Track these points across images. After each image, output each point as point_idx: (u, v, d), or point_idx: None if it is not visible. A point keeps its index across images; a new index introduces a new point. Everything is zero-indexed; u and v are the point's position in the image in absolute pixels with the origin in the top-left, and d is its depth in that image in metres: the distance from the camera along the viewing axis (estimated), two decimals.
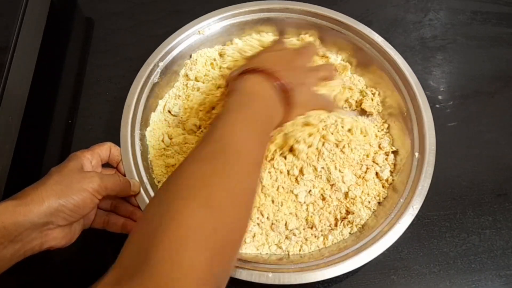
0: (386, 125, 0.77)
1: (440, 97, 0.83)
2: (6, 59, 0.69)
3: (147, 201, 0.66)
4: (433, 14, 0.94)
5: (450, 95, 0.84)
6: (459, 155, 0.78)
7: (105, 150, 0.66)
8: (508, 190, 0.75)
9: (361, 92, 0.80)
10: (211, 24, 0.81)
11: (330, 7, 0.82)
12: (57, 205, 0.53)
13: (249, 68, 0.63)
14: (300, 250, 0.67)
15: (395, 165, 0.74)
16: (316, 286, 0.65)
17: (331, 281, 0.63)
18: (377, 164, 0.73)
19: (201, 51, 0.82)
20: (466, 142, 0.80)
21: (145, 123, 0.75)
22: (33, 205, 0.52)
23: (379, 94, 0.79)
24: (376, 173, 0.73)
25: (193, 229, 0.42)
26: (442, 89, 0.84)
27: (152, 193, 0.68)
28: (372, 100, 0.78)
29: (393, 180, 0.72)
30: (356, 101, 0.80)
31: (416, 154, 0.70)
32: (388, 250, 0.62)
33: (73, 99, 0.82)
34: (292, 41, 0.80)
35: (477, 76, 0.87)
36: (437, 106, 0.82)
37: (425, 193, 0.66)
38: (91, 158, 0.63)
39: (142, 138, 0.73)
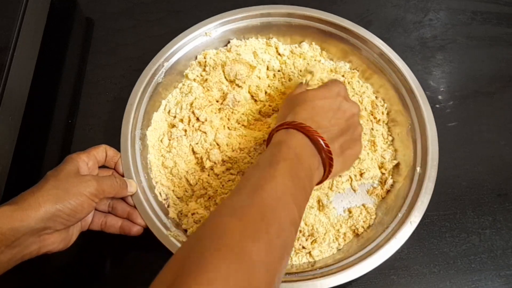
0: (390, 138, 0.77)
1: (440, 97, 0.83)
2: (6, 59, 0.69)
3: (143, 201, 0.66)
4: (433, 14, 0.94)
5: (450, 95, 0.84)
6: (459, 155, 0.78)
7: (101, 152, 0.66)
8: (508, 190, 0.75)
9: (371, 102, 0.79)
10: (218, 27, 0.81)
11: (330, 7, 0.82)
12: (54, 210, 0.53)
13: (292, 123, 0.58)
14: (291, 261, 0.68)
15: (396, 178, 0.74)
16: None
17: None
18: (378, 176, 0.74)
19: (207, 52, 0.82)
20: (466, 142, 0.80)
21: (147, 123, 0.75)
22: (30, 210, 0.52)
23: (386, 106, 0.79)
24: (376, 186, 0.73)
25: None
26: (442, 89, 0.84)
27: (149, 194, 0.68)
28: (383, 113, 0.78)
29: (393, 194, 0.72)
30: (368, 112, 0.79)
31: (418, 168, 0.70)
32: None
33: (73, 99, 0.82)
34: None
35: (477, 76, 0.87)
36: (437, 106, 0.82)
37: (424, 208, 0.66)
38: (87, 160, 0.62)
39: (143, 137, 0.73)
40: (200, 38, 0.80)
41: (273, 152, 0.55)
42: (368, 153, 0.75)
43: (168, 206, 0.70)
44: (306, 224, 0.69)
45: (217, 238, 0.44)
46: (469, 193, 0.75)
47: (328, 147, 0.57)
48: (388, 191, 0.73)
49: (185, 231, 0.68)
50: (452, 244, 0.71)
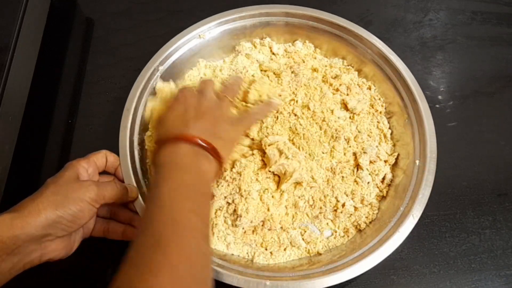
0: (390, 131, 0.77)
1: (440, 97, 0.83)
2: (6, 59, 0.69)
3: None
4: (433, 14, 0.94)
5: (450, 95, 0.84)
6: (459, 155, 0.78)
7: (101, 157, 0.65)
8: (508, 190, 0.75)
9: (370, 96, 0.79)
10: (212, 28, 0.80)
11: (330, 7, 0.82)
12: (54, 216, 0.53)
13: (159, 139, 0.61)
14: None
15: (395, 173, 0.74)
16: None
17: None
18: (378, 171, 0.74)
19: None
20: (466, 142, 0.80)
21: (144, 128, 0.74)
22: (30, 218, 0.51)
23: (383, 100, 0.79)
24: (378, 182, 0.73)
25: None
26: (442, 89, 0.84)
27: None
28: (382, 106, 0.78)
29: (393, 188, 0.72)
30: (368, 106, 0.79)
31: (417, 161, 0.70)
32: None
33: (73, 99, 0.82)
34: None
35: (477, 76, 0.87)
36: (437, 106, 0.82)
37: (426, 201, 0.66)
38: (87, 166, 0.61)
39: (141, 142, 0.72)
40: (194, 41, 0.80)
41: (157, 178, 0.55)
42: (381, 144, 0.75)
43: None
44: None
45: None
46: (469, 193, 0.75)
47: (204, 140, 0.58)
48: (388, 185, 0.73)
49: None
50: (452, 244, 0.71)
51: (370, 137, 0.75)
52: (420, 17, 0.93)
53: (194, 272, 0.46)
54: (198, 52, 0.81)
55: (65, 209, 0.54)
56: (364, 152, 0.72)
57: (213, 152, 0.58)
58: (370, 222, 0.70)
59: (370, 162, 0.73)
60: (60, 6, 0.91)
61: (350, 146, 0.73)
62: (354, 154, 0.73)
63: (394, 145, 0.76)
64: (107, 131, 0.78)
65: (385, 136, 0.76)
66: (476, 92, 0.85)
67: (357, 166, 0.72)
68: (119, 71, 0.84)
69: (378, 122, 0.77)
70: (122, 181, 0.67)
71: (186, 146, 0.57)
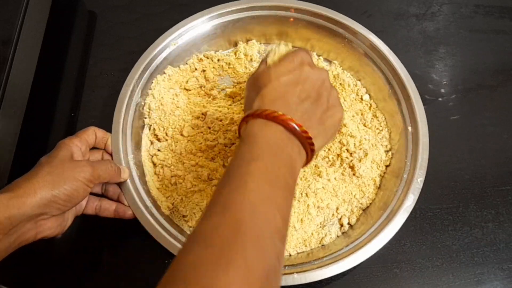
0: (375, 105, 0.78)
1: (442, 90, 0.83)
2: (9, 53, 0.69)
3: (132, 190, 0.66)
4: (436, 7, 0.93)
5: (452, 89, 0.84)
6: (462, 148, 0.78)
7: (91, 134, 0.66)
8: (511, 183, 0.75)
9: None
10: (204, 22, 0.79)
11: (331, 0, 0.81)
12: (50, 196, 0.54)
13: (252, 113, 0.52)
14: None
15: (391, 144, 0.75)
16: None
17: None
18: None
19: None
20: (468, 135, 0.80)
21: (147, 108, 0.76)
22: (26, 197, 0.52)
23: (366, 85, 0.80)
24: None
25: None
26: (444, 82, 0.84)
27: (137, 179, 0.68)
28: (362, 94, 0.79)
29: (391, 158, 0.73)
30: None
31: (409, 128, 0.71)
32: (390, 243, 0.63)
33: (76, 93, 0.82)
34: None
35: (480, 70, 0.86)
36: (440, 99, 0.82)
37: (426, 165, 0.67)
38: (80, 145, 0.63)
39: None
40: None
41: (243, 152, 0.49)
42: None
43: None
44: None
45: (185, 273, 0.39)
46: (472, 186, 0.75)
47: (304, 130, 0.51)
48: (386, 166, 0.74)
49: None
50: (455, 238, 0.71)
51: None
52: (423, 10, 0.93)
53: (266, 277, 0.41)
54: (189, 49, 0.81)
55: (60, 189, 0.55)
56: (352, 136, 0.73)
57: (308, 142, 0.52)
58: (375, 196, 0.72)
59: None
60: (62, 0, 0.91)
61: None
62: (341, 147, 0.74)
63: (386, 119, 0.77)
64: (110, 124, 0.78)
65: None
66: (479, 85, 0.85)
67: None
68: (122, 64, 0.84)
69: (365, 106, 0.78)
70: (111, 155, 0.69)
71: (280, 129, 0.51)
